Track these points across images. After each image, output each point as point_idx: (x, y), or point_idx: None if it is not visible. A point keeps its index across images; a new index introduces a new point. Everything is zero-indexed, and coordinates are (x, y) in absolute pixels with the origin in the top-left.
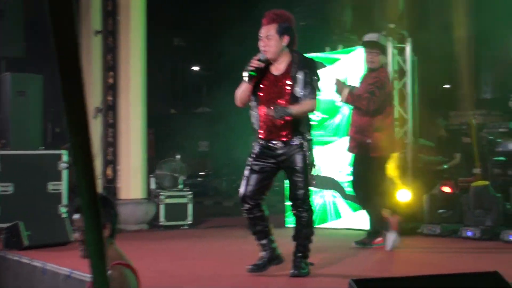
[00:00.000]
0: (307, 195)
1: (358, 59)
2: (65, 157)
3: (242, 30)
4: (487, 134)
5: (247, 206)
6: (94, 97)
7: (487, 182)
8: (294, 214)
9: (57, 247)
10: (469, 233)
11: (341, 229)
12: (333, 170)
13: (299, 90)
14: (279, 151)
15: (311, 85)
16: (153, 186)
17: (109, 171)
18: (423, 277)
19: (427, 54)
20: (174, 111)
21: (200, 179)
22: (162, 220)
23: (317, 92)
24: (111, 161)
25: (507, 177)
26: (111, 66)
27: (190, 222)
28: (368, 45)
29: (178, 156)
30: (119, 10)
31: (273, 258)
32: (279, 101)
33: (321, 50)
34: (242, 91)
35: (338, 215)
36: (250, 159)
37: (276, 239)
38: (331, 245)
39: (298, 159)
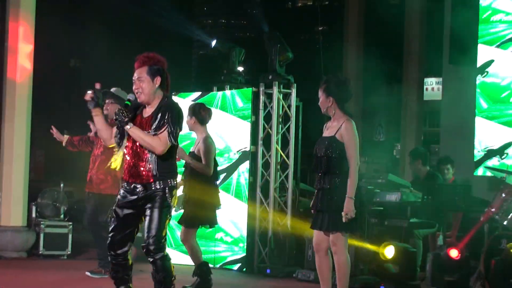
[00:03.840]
0: (159, 240)
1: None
2: None
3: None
4: (365, 184)
5: (112, 253)
6: None
7: None
8: (150, 261)
9: None
10: None
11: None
12: None
13: (153, 128)
14: (140, 195)
15: (167, 124)
16: (34, 214)
17: None
18: None
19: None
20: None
21: None
22: (41, 249)
23: (170, 137)
24: None
25: (383, 227)
26: None
27: (69, 252)
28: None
29: (62, 185)
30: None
31: None
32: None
33: (209, 89)
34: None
35: None
36: (115, 205)
37: None
38: None
39: (155, 203)
